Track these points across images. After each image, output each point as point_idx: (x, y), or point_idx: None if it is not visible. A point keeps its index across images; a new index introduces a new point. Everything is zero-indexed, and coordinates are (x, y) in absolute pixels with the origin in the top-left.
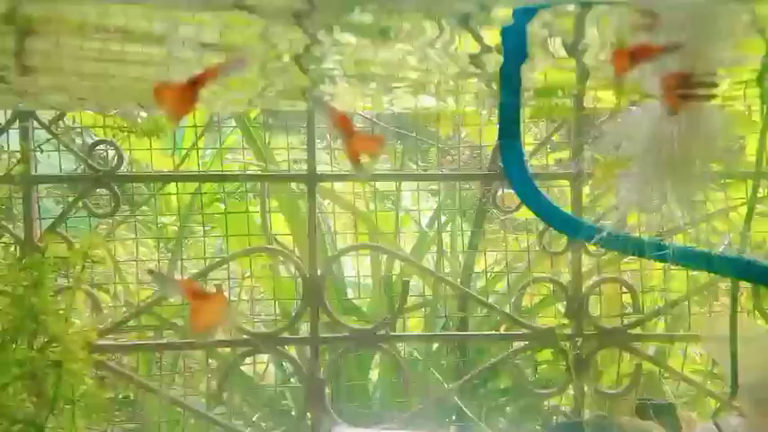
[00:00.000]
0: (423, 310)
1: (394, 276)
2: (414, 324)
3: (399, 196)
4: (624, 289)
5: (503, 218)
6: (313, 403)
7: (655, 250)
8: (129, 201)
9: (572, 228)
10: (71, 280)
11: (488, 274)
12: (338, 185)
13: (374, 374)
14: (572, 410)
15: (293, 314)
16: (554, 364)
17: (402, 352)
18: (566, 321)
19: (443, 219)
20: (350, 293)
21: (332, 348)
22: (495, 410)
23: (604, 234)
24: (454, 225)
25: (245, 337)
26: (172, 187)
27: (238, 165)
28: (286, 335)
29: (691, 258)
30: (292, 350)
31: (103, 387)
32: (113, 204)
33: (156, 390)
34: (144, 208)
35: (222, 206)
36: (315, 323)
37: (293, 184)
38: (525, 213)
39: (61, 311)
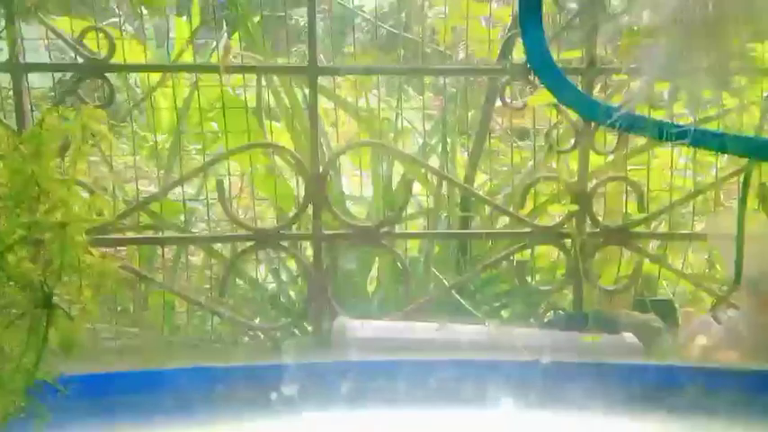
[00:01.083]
0: (424, 221)
1: (394, 184)
2: (416, 241)
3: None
4: (629, 188)
5: (506, 127)
6: (315, 297)
7: (674, 132)
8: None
9: (589, 108)
10: (71, 153)
11: (491, 180)
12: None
13: (375, 283)
14: (572, 308)
15: (294, 211)
16: (553, 268)
17: (404, 256)
18: (569, 220)
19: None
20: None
21: (333, 248)
22: (494, 312)
23: (623, 113)
24: (454, 137)
25: (246, 233)
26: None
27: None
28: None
29: (709, 140)
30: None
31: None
32: (107, 95)
33: (157, 281)
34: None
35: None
36: (317, 219)
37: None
38: (528, 120)
39: (64, 179)
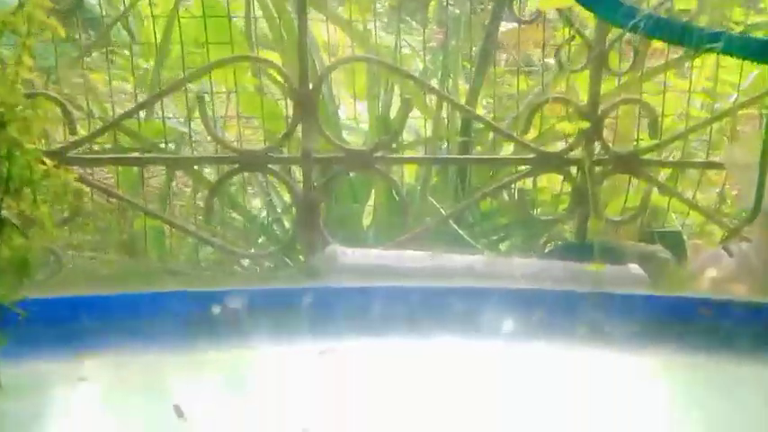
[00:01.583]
0: (422, 151)
1: (392, 115)
2: (412, 167)
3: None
4: (643, 112)
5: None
6: (305, 224)
7: (706, 38)
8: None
9: (609, 7)
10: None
11: (495, 109)
12: None
13: (370, 217)
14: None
15: (284, 132)
16: (555, 202)
17: (400, 184)
18: (577, 146)
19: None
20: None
21: (326, 175)
22: (493, 244)
23: (648, 15)
24: (457, 66)
25: (231, 154)
26: None
27: None
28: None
29: (744, 45)
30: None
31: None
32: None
33: (139, 204)
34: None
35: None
36: (307, 140)
37: None
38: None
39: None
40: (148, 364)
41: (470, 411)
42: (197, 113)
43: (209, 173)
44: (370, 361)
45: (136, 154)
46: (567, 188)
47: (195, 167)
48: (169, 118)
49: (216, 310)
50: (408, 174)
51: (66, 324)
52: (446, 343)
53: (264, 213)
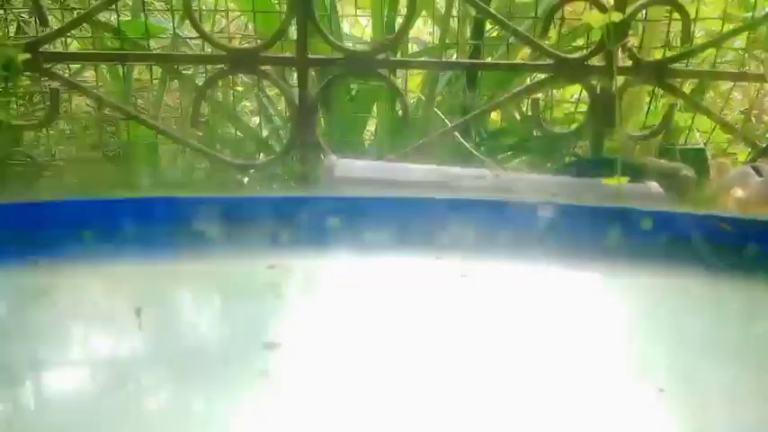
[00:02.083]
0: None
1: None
2: (416, 81)
3: None
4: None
5: None
6: (301, 131)
7: None
8: None
9: None
10: None
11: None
12: None
13: (372, 133)
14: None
15: (277, 29)
16: (570, 121)
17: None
18: (598, 51)
19: None
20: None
21: (324, 83)
22: (503, 161)
23: None
24: None
25: (221, 53)
26: None
27: None
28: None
29: None
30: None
31: None
32: None
33: (119, 105)
34: None
35: None
36: (303, 40)
37: None
38: None
39: None
40: (120, 273)
41: (475, 329)
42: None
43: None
44: (360, 272)
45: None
46: (582, 107)
47: (184, 72)
48: (151, 10)
49: (200, 218)
50: (413, 86)
51: (30, 230)
52: (449, 257)
53: (258, 122)
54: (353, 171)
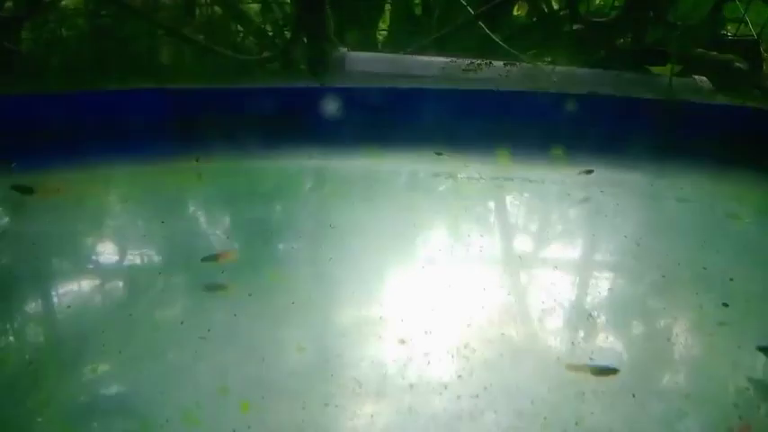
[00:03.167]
0: None
1: None
2: None
3: None
4: None
5: None
6: (309, 25)
7: None
8: None
9: None
10: None
11: None
12: None
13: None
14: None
15: None
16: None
17: None
18: None
19: None
20: None
21: None
22: (533, 58)
23: None
24: None
25: None
26: None
27: None
28: None
29: None
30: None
31: None
32: None
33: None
34: None
35: None
36: None
37: None
38: None
39: None
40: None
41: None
42: None
43: None
44: (362, 169)
45: None
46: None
47: None
48: None
49: (201, 111)
50: None
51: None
52: (471, 151)
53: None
54: (364, 64)
